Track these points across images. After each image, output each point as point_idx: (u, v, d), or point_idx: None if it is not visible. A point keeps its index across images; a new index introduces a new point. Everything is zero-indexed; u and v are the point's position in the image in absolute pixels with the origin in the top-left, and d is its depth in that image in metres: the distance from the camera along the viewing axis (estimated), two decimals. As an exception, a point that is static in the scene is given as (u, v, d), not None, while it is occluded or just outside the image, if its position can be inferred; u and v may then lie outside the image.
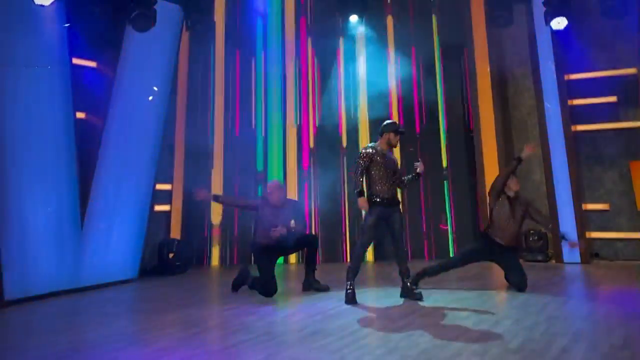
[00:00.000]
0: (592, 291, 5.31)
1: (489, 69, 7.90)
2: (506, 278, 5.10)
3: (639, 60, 6.97)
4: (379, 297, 4.93)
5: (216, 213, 7.95)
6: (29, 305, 4.88)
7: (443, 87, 8.28)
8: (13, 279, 4.93)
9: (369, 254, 7.81)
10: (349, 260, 7.37)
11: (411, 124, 8.19)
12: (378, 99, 8.12)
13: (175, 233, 7.63)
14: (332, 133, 8.28)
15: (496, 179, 5.20)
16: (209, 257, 7.96)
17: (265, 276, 4.92)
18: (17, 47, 5.24)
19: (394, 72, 8.26)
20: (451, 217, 7.99)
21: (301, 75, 8.45)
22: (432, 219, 8.05)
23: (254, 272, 5.17)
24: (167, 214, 7.63)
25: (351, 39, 8.31)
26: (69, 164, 5.66)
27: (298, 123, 8.34)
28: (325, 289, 5.20)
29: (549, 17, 7.01)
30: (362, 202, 4.55)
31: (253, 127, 8.33)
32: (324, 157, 8.19)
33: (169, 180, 7.64)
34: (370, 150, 4.67)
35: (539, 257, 7.15)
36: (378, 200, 4.60)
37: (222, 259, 7.98)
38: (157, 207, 7.28)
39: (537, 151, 6.99)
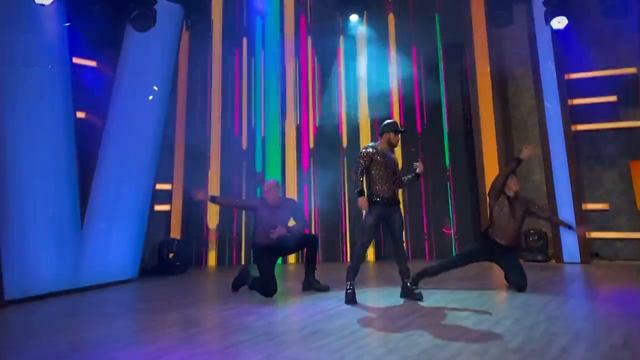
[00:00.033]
0: (592, 291, 5.31)
1: (489, 69, 7.89)
2: (506, 278, 5.10)
3: (639, 60, 6.97)
4: (379, 297, 4.94)
5: (213, 216, 7.91)
6: (29, 305, 4.88)
7: (444, 86, 8.28)
8: (13, 279, 4.92)
9: (370, 254, 7.81)
10: (349, 260, 7.38)
11: (412, 124, 8.19)
12: (379, 98, 8.11)
13: (175, 233, 7.62)
14: (332, 133, 8.27)
15: (496, 179, 5.20)
16: (209, 257, 7.95)
17: (265, 276, 4.92)
18: (17, 46, 5.24)
19: (395, 71, 8.25)
20: (452, 217, 7.99)
21: (301, 74, 8.44)
22: (433, 219, 8.05)
23: (254, 272, 5.17)
24: (167, 214, 7.62)
25: (351, 38, 8.30)
26: (69, 164, 5.66)
27: (298, 123, 8.33)
28: (325, 288, 5.20)
29: (549, 16, 7.01)
30: (362, 201, 4.55)
31: (252, 127, 8.32)
32: (324, 157, 8.18)
33: (169, 180, 7.63)
34: (371, 150, 4.67)
35: (539, 257, 7.15)
36: (378, 199, 4.60)
37: (222, 259, 7.98)
38: (157, 207, 7.27)
39: (537, 151, 6.99)
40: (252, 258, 7.08)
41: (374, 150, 4.66)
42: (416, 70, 8.35)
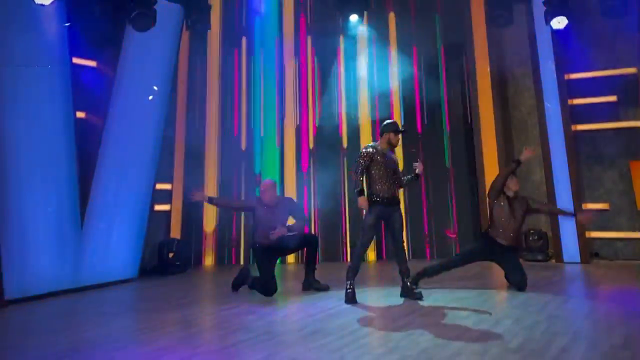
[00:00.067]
0: (592, 290, 5.31)
1: (489, 69, 7.90)
2: (506, 277, 5.10)
3: (639, 60, 6.97)
4: (379, 296, 4.94)
5: (212, 216, 7.91)
6: (29, 305, 4.88)
7: (445, 86, 8.28)
8: (13, 278, 4.92)
9: (370, 253, 7.81)
10: (348, 259, 7.38)
11: (413, 124, 8.19)
12: (379, 98, 8.11)
13: (175, 233, 7.63)
14: (332, 133, 8.26)
15: (495, 179, 5.20)
16: (209, 257, 7.94)
17: (265, 276, 4.92)
18: (17, 46, 5.24)
19: (395, 71, 8.25)
20: (452, 217, 7.99)
21: (301, 74, 8.43)
22: (433, 219, 8.05)
23: (254, 271, 5.17)
24: (167, 214, 7.63)
25: (352, 38, 8.28)
26: (69, 164, 5.66)
27: (297, 123, 8.32)
28: (325, 288, 5.20)
29: (549, 16, 7.00)
30: (362, 201, 4.56)
31: (251, 127, 8.32)
32: (323, 157, 8.17)
33: (169, 179, 7.64)
34: (371, 150, 4.68)
35: (539, 257, 7.15)
36: (378, 199, 4.60)
37: (221, 258, 7.97)
38: (157, 207, 7.28)
39: (537, 152, 6.99)
40: (251, 258, 7.09)
41: (374, 150, 4.67)
42: (416, 70, 8.35)
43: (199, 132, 8.03)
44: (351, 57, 8.35)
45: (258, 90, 8.38)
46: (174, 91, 7.28)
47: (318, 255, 5.83)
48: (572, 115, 7.30)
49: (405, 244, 4.81)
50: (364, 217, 4.90)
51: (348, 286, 4.57)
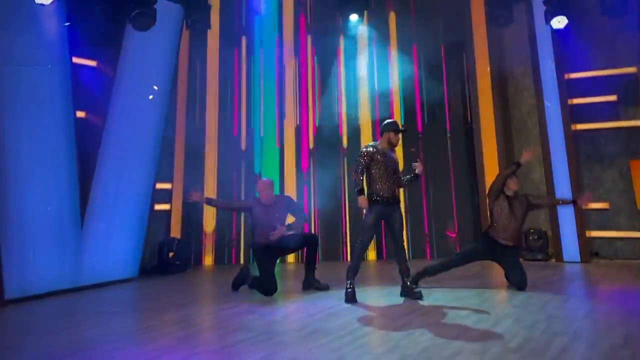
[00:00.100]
0: (592, 290, 5.31)
1: (489, 69, 7.89)
2: (506, 277, 5.10)
3: (639, 60, 6.96)
4: (379, 296, 4.94)
5: (210, 218, 7.90)
6: (29, 305, 4.88)
7: (445, 86, 8.27)
8: (13, 278, 4.93)
9: (370, 253, 7.81)
10: (348, 259, 7.37)
11: (413, 123, 8.18)
12: (379, 98, 8.11)
13: (175, 232, 7.62)
14: (332, 133, 8.25)
15: (495, 180, 5.20)
16: (209, 257, 7.94)
17: (265, 275, 4.92)
18: (17, 46, 5.24)
19: (395, 70, 8.25)
20: (453, 216, 7.99)
21: (300, 74, 8.42)
22: (433, 219, 8.04)
23: (254, 271, 5.17)
24: (167, 213, 7.62)
25: (352, 38, 8.26)
26: (69, 164, 5.66)
27: (297, 123, 8.32)
28: (325, 288, 5.20)
29: (549, 16, 7.00)
30: (362, 200, 4.57)
31: (251, 127, 8.31)
32: (323, 157, 8.16)
33: (169, 179, 7.63)
34: (371, 149, 4.68)
35: (539, 256, 7.15)
36: (378, 198, 4.61)
37: (221, 258, 7.96)
38: (157, 207, 7.28)
39: (537, 151, 6.99)
40: (251, 257, 7.08)
41: (375, 150, 4.67)
42: (417, 69, 8.35)
43: (198, 132, 8.02)
44: (351, 57, 8.33)
45: (258, 90, 8.36)
46: (173, 91, 7.27)
47: (318, 255, 5.84)
48: (572, 114, 7.29)
49: (405, 243, 4.82)
50: (364, 216, 4.90)
51: (348, 286, 4.58)
